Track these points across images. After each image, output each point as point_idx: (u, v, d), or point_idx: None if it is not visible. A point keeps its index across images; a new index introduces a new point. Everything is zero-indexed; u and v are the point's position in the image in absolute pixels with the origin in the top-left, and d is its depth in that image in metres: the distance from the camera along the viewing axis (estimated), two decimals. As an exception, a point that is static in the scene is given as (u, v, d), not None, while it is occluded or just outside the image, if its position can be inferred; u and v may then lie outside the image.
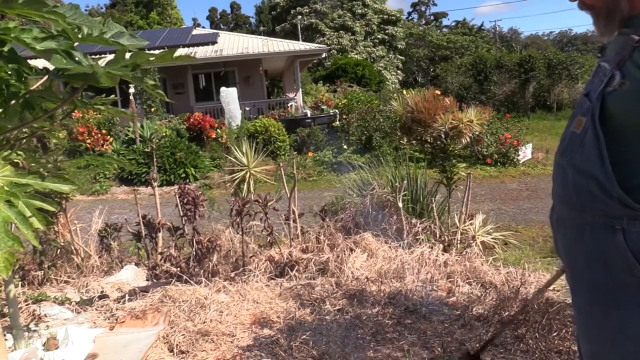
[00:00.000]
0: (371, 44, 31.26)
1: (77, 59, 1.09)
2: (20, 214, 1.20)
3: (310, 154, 13.13)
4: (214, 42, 18.68)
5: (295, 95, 18.78)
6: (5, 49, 1.16)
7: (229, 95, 14.60)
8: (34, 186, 1.35)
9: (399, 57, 32.09)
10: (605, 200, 1.07)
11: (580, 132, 1.14)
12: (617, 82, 1.07)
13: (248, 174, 5.23)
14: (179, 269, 3.87)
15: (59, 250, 4.12)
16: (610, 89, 1.09)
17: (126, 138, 13.44)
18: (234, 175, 5.38)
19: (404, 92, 13.18)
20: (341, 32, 30.70)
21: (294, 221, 4.46)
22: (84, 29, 1.14)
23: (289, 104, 17.51)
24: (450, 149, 5.27)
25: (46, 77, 1.37)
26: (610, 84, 1.09)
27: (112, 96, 1.67)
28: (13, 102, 1.30)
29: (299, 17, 30.28)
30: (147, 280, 4.04)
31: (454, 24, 47.35)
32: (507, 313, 2.99)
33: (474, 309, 3.15)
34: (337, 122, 14.54)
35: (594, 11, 1.18)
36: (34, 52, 1.10)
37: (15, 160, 1.92)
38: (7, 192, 1.21)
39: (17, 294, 2.99)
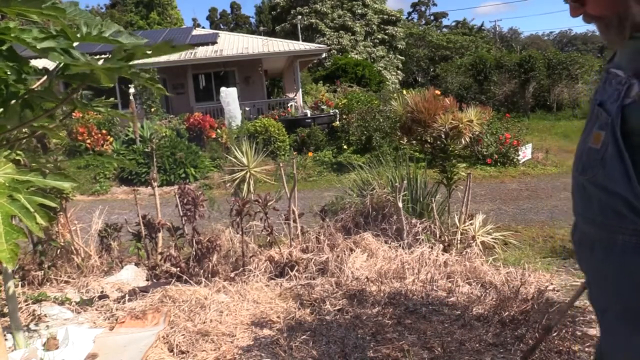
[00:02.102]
0: (371, 44, 31.24)
1: (75, 56, 1.09)
2: (23, 207, 1.21)
3: (310, 154, 13.13)
4: (214, 42, 18.68)
5: (295, 95, 18.77)
6: (4, 47, 1.16)
7: (229, 95, 14.60)
8: (36, 183, 1.35)
9: (399, 57, 32.07)
10: (636, 220, 1.00)
11: (600, 148, 1.06)
12: (636, 93, 0.99)
13: (248, 174, 5.22)
14: (179, 269, 3.87)
15: (59, 250, 4.12)
16: (629, 101, 1.01)
17: (126, 138, 13.45)
18: (234, 175, 5.37)
19: (404, 92, 13.16)
20: (341, 32, 30.68)
21: (294, 221, 4.46)
22: (83, 28, 1.13)
23: (289, 104, 17.50)
24: (450, 149, 5.26)
25: (46, 77, 1.37)
26: (629, 95, 1.01)
27: (112, 99, 1.67)
28: (13, 102, 1.30)
29: (299, 17, 30.26)
30: (147, 280, 4.04)
31: (454, 24, 47.35)
32: (507, 313, 2.99)
33: (474, 309, 3.15)
34: (337, 122, 14.53)
35: (603, 22, 1.10)
36: (34, 51, 1.10)
37: (17, 158, 1.92)
38: (9, 188, 1.22)
39: (17, 294, 2.99)
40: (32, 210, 1.25)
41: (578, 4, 1.12)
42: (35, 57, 1.38)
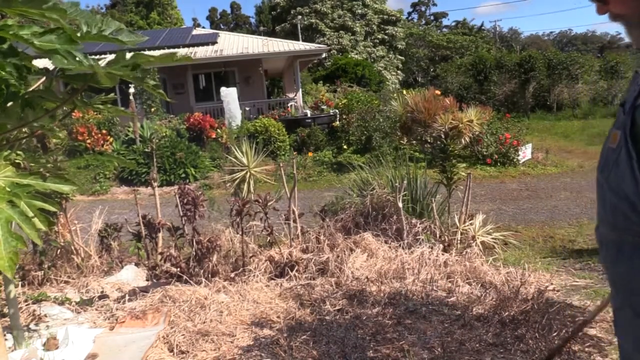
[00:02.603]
0: (371, 44, 31.25)
1: (78, 58, 1.09)
2: (22, 214, 1.20)
3: (310, 154, 13.13)
4: (214, 42, 18.68)
5: (295, 95, 18.77)
6: (5, 45, 1.16)
7: (229, 95, 14.60)
8: (36, 187, 1.35)
9: (399, 57, 32.08)
10: None
11: (616, 148, 1.07)
12: None
13: (248, 174, 5.22)
14: (179, 269, 3.87)
15: (59, 250, 4.12)
16: None
17: (126, 138, 13.44)
18: (234, 175, 5.37)
19: (404, 92, 13.17)
20: (341, 32, 30.69)
21: (294, 221, 4.46)
22: (83, 27, 1.13)
23: (289, 104, 17.50)
24: (450, 149, 5.26)
25: (45, 77, 1.36)
26: None
27: (112, 95, 1.67)
28: (12, 102, 1.30)
29: (299, 17, 30.26)
30: (147, 280, 4.04)
31: (454, 24, 47.34)
32: (507, 313, 2.99)
33: (474, 309, 3.15)
34: (337, 122, 14.53)
35: (626, 20, 1.11)
36: (33, 47, 1.09)
37: (17, 161, 1.92)
38: (9, 193, 1.21)
39: (17, 294, 2.99)
40: (31, 215, 1.24)
41: (602, 2, 1.12)
42: (35, 58, 1.38)
